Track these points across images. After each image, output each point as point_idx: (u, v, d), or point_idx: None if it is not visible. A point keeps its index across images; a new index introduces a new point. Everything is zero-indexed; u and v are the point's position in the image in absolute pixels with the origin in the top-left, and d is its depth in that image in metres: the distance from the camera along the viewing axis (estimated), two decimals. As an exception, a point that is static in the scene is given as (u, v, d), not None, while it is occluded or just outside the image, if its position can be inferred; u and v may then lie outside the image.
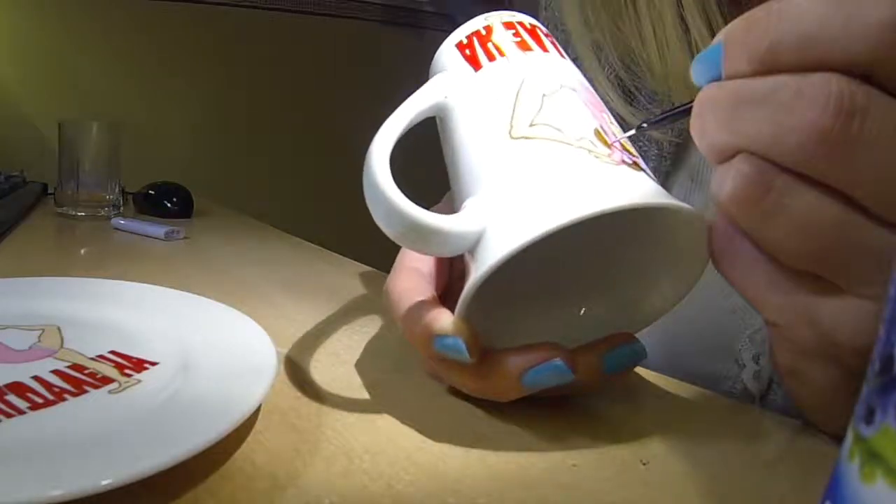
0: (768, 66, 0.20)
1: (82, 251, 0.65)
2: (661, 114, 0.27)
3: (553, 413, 0.30)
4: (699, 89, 0.25)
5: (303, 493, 0.23)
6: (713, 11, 0.36)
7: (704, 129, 0.23)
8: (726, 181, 0.21)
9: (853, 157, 0.19)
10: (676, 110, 0.26)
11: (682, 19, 0.36)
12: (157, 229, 0.70)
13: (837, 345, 0.22)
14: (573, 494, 0.25)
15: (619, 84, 0.41)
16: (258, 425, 0.29)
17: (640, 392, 0.35)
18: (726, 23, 0.34)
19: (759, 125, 0.20)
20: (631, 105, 0.41)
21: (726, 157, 0.22)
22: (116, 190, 0.87)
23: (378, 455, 0.26)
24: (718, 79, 0.22)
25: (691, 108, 0.24)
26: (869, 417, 0.12)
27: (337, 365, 0.36)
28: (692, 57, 0.33)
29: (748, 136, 0.21)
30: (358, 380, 0.34)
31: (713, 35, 0.34)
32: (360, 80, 1.56)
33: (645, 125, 0.28)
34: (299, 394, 0.31)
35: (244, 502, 0.23)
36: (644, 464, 0.27)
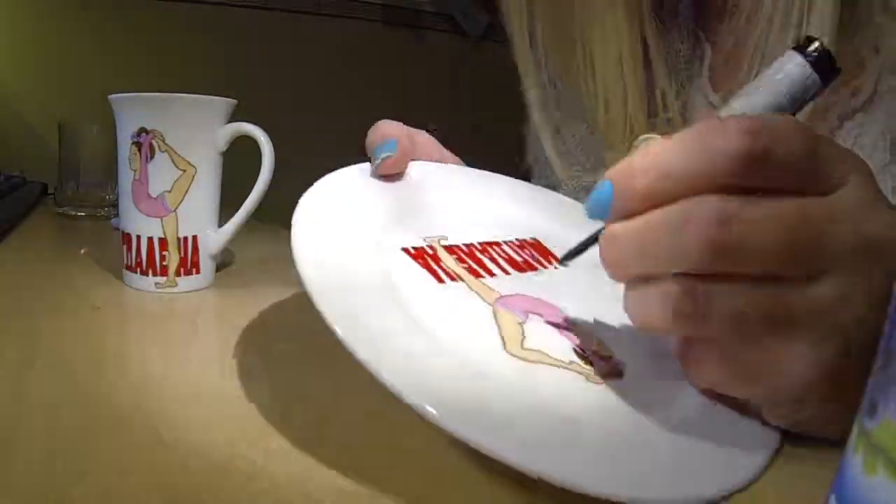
0: (653, 201, 0.25)
1: (82, 251, 0.64)
2: (575, 247, 0.32)
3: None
4: (631, 137, 0.34)
5: (303, 493, 0.23)
6: (639, 73, 0.47)
7: (616, 260, 0.26)
8: (657, 308, 0.25)
9: (742, 248, 0.23)
10: (586, 242, 0.31)
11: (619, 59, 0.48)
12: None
13: (808, 384, 0.25)
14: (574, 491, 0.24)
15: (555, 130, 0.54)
16: (258, 426, 0.29)
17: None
18: (665, 68, 0.48)
19: (664, 250, 0.24)
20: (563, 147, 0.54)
21: (638, 279, 0.26)
22: (116, 190, 0.87)
23: (379, 455, 0.26)
24: (607, 210, 0.27)
25: (595, 239, 0.29)
26: (871, 411, 0.12)
27: (337, 364, 0.36)
28: (626, 110, 0.47)
29: (657, 260, 0.24)
30: (359, 379, 0.34)
31: (650, 91, 0.47)
32: (360, 80, 1.56)
33: (566, 262, 0.33)
34: (300, 393, 0.31)
35: (244, 502, 0.23)
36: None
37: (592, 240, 0.31)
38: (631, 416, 0.27)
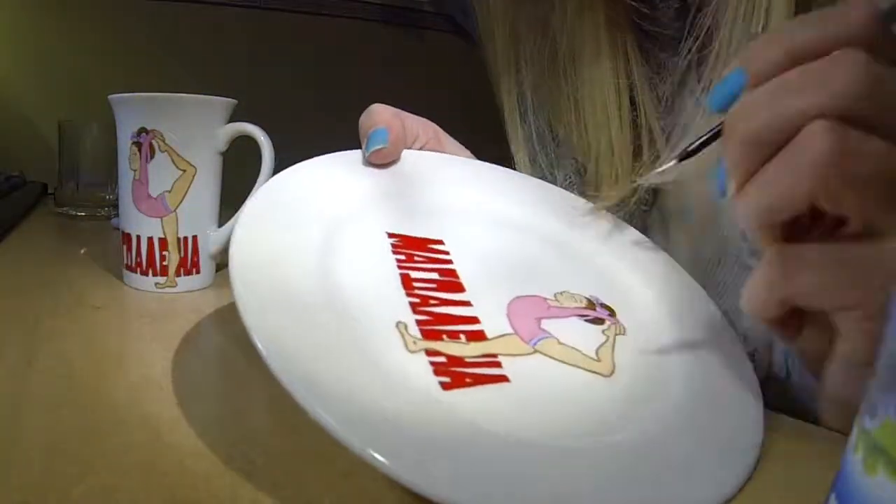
0: (793, 60, 0.23)
1: (82, 251, 0.64)
2: (694, 142, 0.29)
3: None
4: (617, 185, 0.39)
5: (303, 493, 0.23)
6: (625, 107, 0.48)
7: (751, 117, 0.23)
8: (813, 146, 0.22)
9: (891, 90, 0.21)
10: (709, 134, 0.28)
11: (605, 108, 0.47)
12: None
13: None
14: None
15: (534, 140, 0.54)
16: (258, 426, 0.29)
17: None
18: (634, 109, 0.47)
19: (810, 93, 0.22)
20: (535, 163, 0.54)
21: (779, 134, 0.23)
22: (116, 190, 0.87)
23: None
24: (732, 102, 0.24)
25: (719, 131, 0.26)
26: (872, 411, 0.12)
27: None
28: (610, 134, 0.47)
29: (803, 103, 0.22)
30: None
31: (631, 119, 0.47)
32: (361, 80, 1.55)
33: (682, 156, 0.29)
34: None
35: (244, 502, 0.23)
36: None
37: (713, 135, 0.28)
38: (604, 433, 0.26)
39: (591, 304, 0.34)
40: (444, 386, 0.26)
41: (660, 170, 0.30)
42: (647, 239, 0.42)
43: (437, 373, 0.27)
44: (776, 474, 0.26)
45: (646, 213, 0.48)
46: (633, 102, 0.48)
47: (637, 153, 0.47)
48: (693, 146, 0.29)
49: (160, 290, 0.49)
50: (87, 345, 0.37)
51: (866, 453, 0.12)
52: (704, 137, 0.28)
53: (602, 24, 0.47)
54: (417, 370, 0.26)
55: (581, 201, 0.44)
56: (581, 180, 0.50)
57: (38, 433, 0.26)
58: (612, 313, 0.34)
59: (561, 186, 0.52)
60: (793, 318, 0.26)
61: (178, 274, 0.49)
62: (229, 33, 1.49)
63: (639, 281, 0.37)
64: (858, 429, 0.13)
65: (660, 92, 0.47)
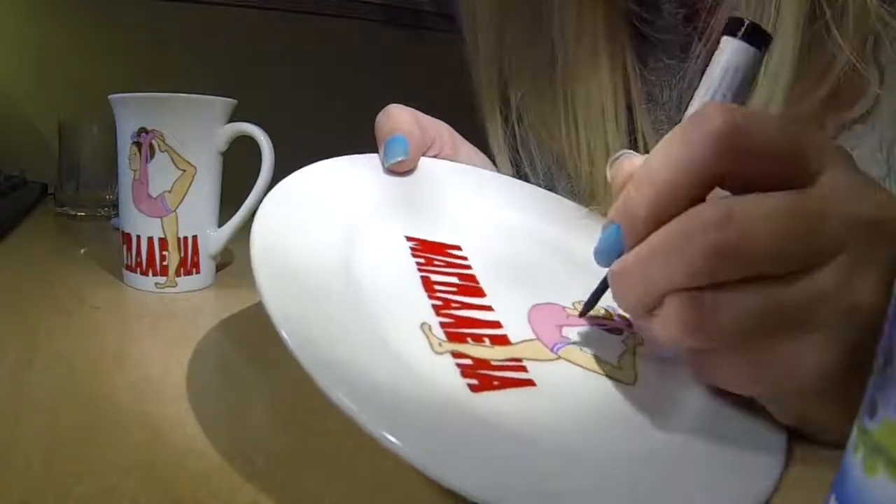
0: (655, 223, 0.25)
1: (82, 251, 0.64)
2: (588, 299, 0.32)
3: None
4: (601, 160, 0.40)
5: (303, 493, 0.23)
6: (622, 110, 0.48)
7: (626, 294, 0.26)
8: (666, 324, 0.24)
9: (745, 246, 0.23)
10: (597, 292, 0.32)
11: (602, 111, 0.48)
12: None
13: (823, 375, 0.24)
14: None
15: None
16: (258, 426, 0.29)
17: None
18: (630, 115, 0.48)
19: (668, 269, 0.24)
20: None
21: (650, 307, 0.25)
22: (116, 190, 0.87)
23: (379, 455, 0.26)
24: (619, 255, 0.26)
25: (606, 285, 0.29)
26: (872, 411, 0.12)
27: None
28: (606, 137, 0.47)
29: (664, 281, 0.24)
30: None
31: (627, 123, 0.48)
32: (361, 80, 1.55)
33: (582, 313, 0.33)
34: (300, 393, 0.31)
35: (244, 502, 0.23)
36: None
37: (604, 284, 0.31)
38: (633, 435, 0.26)
39: (609, 315, 0.34)
40: (473, 388, 0.26)
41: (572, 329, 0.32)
42: None
43: (464, 375, 0.26)
44: (790, 478, 0.26)
45: None
46: (629, 108, 0.48)
47: None
48: (590, 298, 0.32)
49: (160, 290, 0.49)
50: (87, 345, 0.37)
51: (866, 453, 0.12)
52: (598, 288, 0.31)
53: (601, 30, 0.47)
54: (444, 372, 0.26)
55: (586, 212, 0.44)
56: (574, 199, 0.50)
57: (38, 433, 0.26)
58: (629, 324, 0.34)
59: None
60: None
61: (178, 274, 0.49)
62: (229, 33, 1.49)
63: None
64: (858, 429, 0.13)
65: (663, 97, 0.47)
